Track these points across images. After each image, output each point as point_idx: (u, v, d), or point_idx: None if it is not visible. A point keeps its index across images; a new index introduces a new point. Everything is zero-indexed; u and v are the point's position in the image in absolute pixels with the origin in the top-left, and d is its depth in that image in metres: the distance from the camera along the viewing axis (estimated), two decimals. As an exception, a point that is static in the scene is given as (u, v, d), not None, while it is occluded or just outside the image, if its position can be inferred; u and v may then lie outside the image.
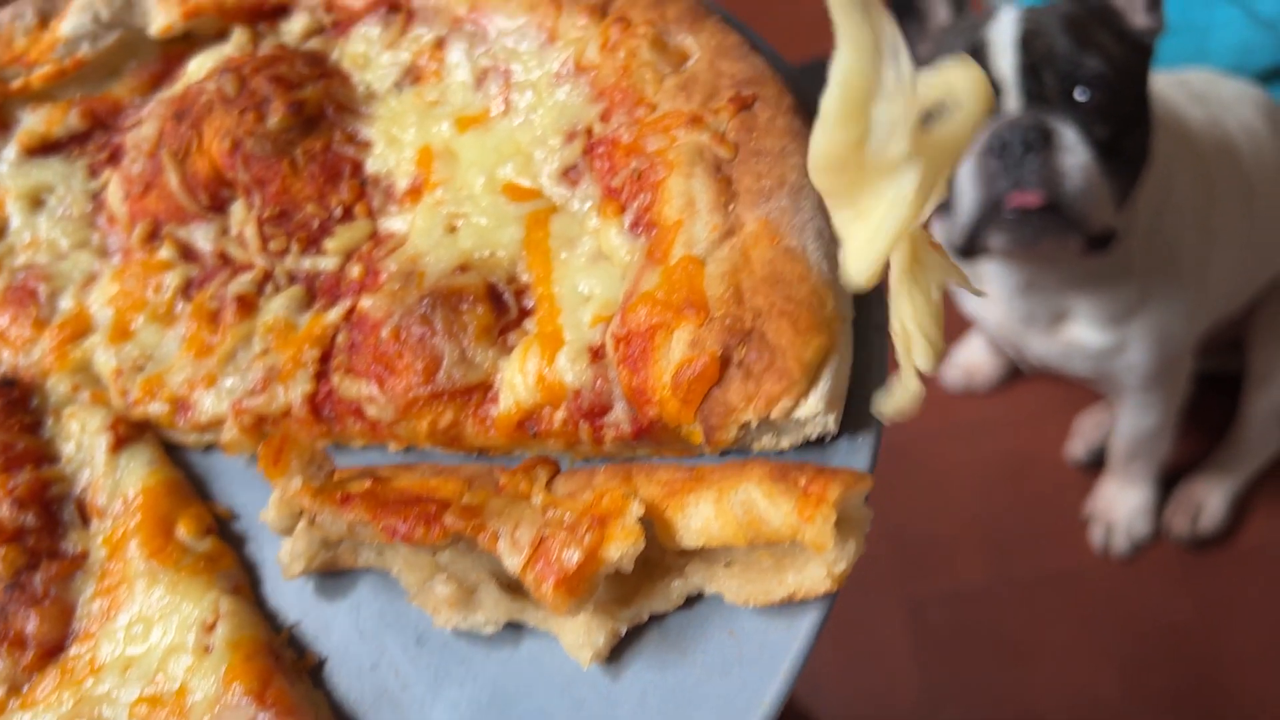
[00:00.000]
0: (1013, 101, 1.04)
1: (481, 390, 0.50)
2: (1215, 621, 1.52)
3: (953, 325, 1.61)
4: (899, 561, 1.68)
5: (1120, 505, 1.57)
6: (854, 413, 0.46)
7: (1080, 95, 1.02)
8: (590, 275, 0.51)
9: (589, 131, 0.54)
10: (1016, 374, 1.74)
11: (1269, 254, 1.35)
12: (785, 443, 0.45)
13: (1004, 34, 1.06)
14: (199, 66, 0.65)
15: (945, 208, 1.09)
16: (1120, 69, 1.06)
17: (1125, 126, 1.05)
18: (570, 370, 0.48)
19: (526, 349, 0.49)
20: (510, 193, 0.55)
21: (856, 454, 0.45)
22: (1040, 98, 1.04)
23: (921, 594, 1.64)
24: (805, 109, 0.51)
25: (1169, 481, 1.59)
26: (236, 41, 0.65)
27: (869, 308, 0.48)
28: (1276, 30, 1.49)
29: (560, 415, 0.48)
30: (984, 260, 1.17)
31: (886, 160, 0.36)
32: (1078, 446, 1.64)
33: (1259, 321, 1.46)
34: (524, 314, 0.51)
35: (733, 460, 0.43)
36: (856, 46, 0.35)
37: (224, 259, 0.58)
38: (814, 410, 0.43)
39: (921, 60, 1.16)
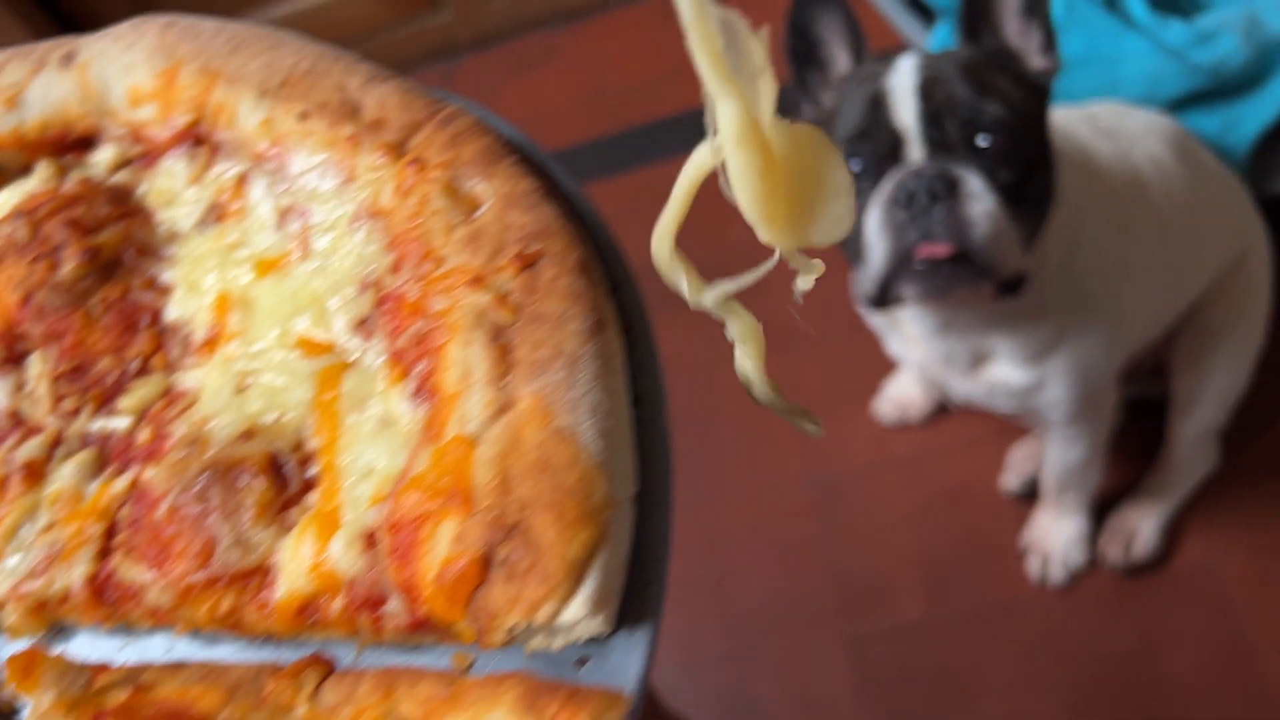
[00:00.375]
0: (916, 151, 1.03)
1: (260, 574, 0.47)
2: (1155, 647, 1.51)
3: (885, 361, 1.59)
4: (838, 600, 1.66)
5: (1055, 536, 1.56)
6: (634, 604, 0.44)
7: (982, 141, 1.01)
8: (375, 445, 0.48)
9: (378, 284, 0.52)
10: (949, 406, 1.73)
11: (1183, 283, 1.34)
12: (558, 644, 0.43)
13: (904, 83, 1.04)
14: (1, 204, 0.62)
15: (857, 258, 1.07)
16: (1020, 112, 1.05)
17: (1029, 169, 1.04)
18: (344, 558, 0.46)
19: (303, 531, 0.47)
20: (304, 347, 0.53)
21: (632, 651, 0.43)
22: (944, 146, 1.03)
23: (862, 632, 1.63)
24: (597, 257, 0.49)
25: (1103, 509, 1.58)
26: (40, 176, 0.62)
27: (658, 478, 0.46)
28: (1184, 59, 1.48)
29: (339, 604, 0.46)
30: (899, 307, 1.15)
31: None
32: (1011, 479, 1.63)
33: (1178, 348, 1.44)
34: (307, 487, 0.49)
35: (493, 674, 0.41)
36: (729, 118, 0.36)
37: (16, 419, 0.56)
38: (578, 615, 0.41)
39: (825, 110, 1.14)
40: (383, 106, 0.55)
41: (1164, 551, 1.55)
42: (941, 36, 1.75)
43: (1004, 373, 1.21)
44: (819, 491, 1.77)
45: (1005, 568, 1.61)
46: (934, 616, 1.61)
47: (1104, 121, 1.33)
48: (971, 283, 1.02)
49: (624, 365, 0.48)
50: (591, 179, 2.32)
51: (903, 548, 1.67)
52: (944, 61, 1.07)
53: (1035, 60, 1.10)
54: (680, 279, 0.41)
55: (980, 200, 0.98)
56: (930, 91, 1.03)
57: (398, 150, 0.54)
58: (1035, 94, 1.09)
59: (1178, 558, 1.56)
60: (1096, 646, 1.53)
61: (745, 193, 0.37)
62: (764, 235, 0.38)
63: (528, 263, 0.48)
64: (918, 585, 1.64)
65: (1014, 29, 1.10)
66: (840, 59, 1.15)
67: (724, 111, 0.36)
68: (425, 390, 0.47)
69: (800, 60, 1.15)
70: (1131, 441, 1.60)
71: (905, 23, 1.73)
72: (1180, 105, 1.59)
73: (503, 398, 0.45)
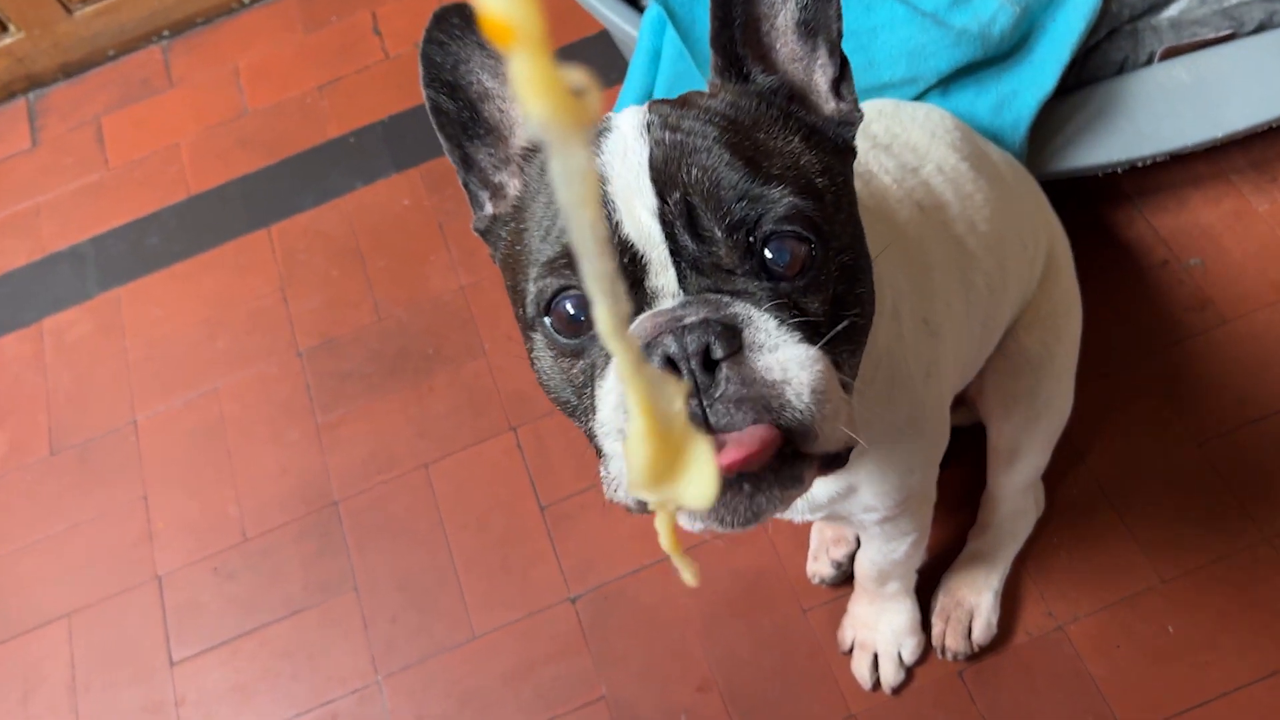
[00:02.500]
0: (663, 278, 0.63)
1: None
2: (1009, 732, 1.25)
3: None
4: (635, 760, 1.30)
5: (882, 629, 1.26)
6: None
7: (773, 255, 0.63)
8: None
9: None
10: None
11: (998, 320, 1.06)
12: None
13: (630, 164, 0.64)
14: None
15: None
16: (823, 196, 0.67)
17: (845, 278, 0.66)
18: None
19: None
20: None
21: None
22: (704, 264, 0.63)
23: (670, 793, 1.27)
24: None
25: (925, 579, 1.30)
26: None
27: None
28: (945, 25, 1.19)
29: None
30: None
31: None
32: (823, 568, 1.32)
33: (992, 391, 1.17)
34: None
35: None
36: None
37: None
38: None
39: (506, 203, 0.74)
40: None
41: (1004, 624, 1.30)
42: (651, 37, 1.38)
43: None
44: (588, 609, 1.39)
45: (826, 674, 1.30)
46: (755, 755, 1.28)
47: (879, 134, 1.01)
48: (793, 486, 0.61)
49: None
50: (236, 234, 1.80)
51: (697, 668, 1.33)
52: (691, 117, 0.67)
53: (825, 103, 0.74)
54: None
55: (782, 350, 0.60)
56: (672, 174, 0.63)
57: None
58: (837, 156, 0.72)
59: (1019, 627, 1.31)
60: (949, 752, 1.26)
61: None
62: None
63: None
64: (724, 716, 1.30)
65: (788, 54, 0.73)
66: (519, 116, 0.74)
67: None
68: None
69: (452, 126, 0.73)
70: (943, 489, 1.34)
71: (610, 8, 1.35)
72: (946, 85, 1.32)
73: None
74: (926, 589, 1.31)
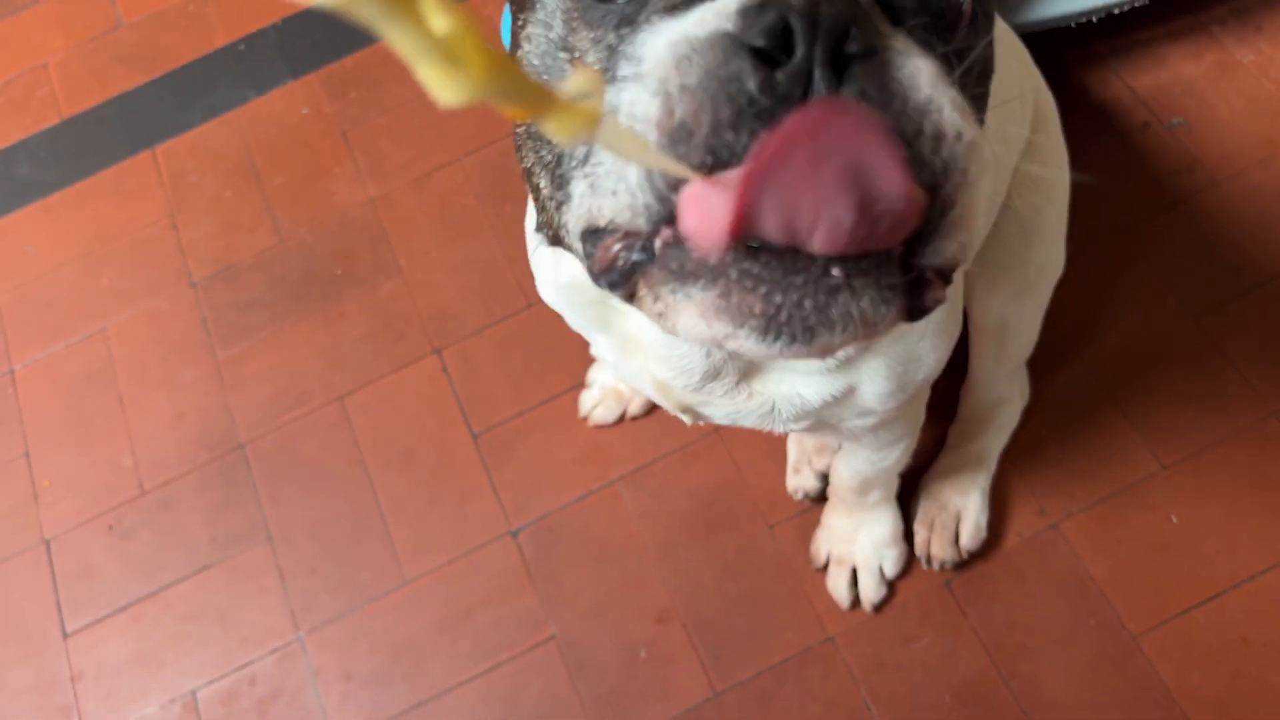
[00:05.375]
0: None
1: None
2: (1015, 653, 1.12)
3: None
4: (588, 706, 1.15)
5: (862, 540, 1.13)
6: None
7: None
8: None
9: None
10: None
11: (996, 196, 0.91)
12: None
13: None
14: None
15: (576, 175, 0.49)
16: None
17: (984, 66, 0.51)
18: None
19: None
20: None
21: None
22: None
23: (634, 736, 1.13)
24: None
25: (904, 487, 1.17)
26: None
27: None
28: None
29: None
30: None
31: None
32: (806, 479, 1.17)
33: (974, 266, 1.03)
34: None
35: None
36: None
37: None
38: None
39: None
40: None
41: (994, 527, 1.17)
42: None
43: (792, 387, 0.70)
44: (531, 543, 1.24)
45: (799, 594, 1.17)
46: (724, 688, 1.14)
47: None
48: (879, 306, 0.41)
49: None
50: (117, 159, 1.60)
51: (655, 598, 1.18)
52: None
53: None
54: None
55: (941, 85, 0.40)
56: None
57: None
58: None
59: (1009, 529, 1.18)
60: (943, 671, 1.13)
61: None
62: None
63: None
64: (688, 650, 1.16)
65: None
66: None
67: None
68: None
69: None
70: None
71: None
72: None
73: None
74: (905, 494, 1.17)
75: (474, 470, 1.30)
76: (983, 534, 1.14)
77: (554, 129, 0.31)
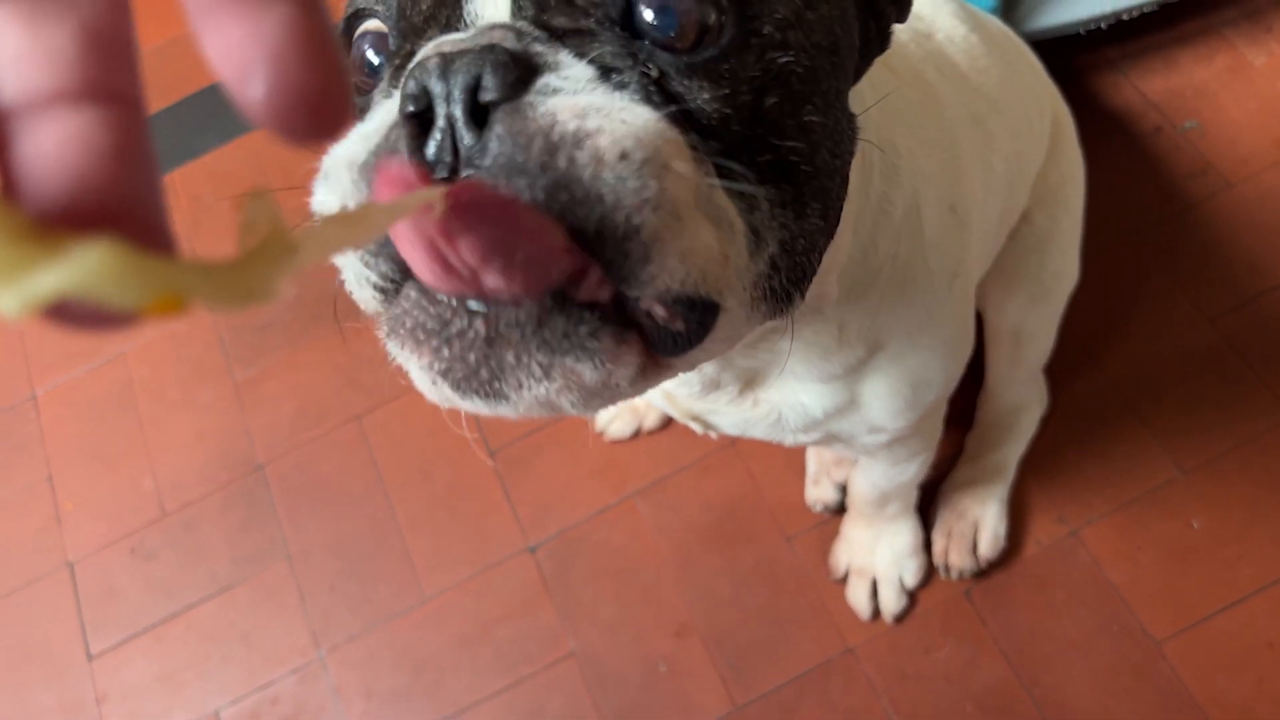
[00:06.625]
0: (490, 6, 0.43)
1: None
2: (1037, 661, 1.11)
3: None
4: (622, 711, 1.15)
5: (882, 552, 1.12)
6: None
7: (653, 9, 0.41)
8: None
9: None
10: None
11: (1015, 201, 0.91)
12: None
13: None
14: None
15: None
16: None
17: (779, 80, 0.44)
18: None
19: None
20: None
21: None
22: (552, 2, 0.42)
23: (654, 753, 1.13)
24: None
25: (923, 496, 1.17)
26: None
27: None
28: None
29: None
30: None
31: None
32: (825, 491, 1.17)
33: (991, 271, 1.02)
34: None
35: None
36: None
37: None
38: None
39: None
40: None
41: (1013, 535, 1.16)
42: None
43: (795, 395, 0.70)
44: (549, 559, 1.24)
45: (818, 606, 1.16)
46: (745, 701, 1.14)
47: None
48: (570, 354, 0.39)
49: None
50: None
51: (674, 612, 1.18)
52: None
53: None
54: None
55: (589, 96, 0.39)
56: None
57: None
58: None
59: (1028, 537, 1.17)
60: (965, 680, 1.12)
61: None
62: None
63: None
64: (707, 663, 1.16)
65: None
66: None
67: None
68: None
69: None
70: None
71: None
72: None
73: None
74: (924, 503, 1.17)
75: (491, 487, 1.30)
76: (1001, 543, 1.13)
77: (249, 284, 0.23)
